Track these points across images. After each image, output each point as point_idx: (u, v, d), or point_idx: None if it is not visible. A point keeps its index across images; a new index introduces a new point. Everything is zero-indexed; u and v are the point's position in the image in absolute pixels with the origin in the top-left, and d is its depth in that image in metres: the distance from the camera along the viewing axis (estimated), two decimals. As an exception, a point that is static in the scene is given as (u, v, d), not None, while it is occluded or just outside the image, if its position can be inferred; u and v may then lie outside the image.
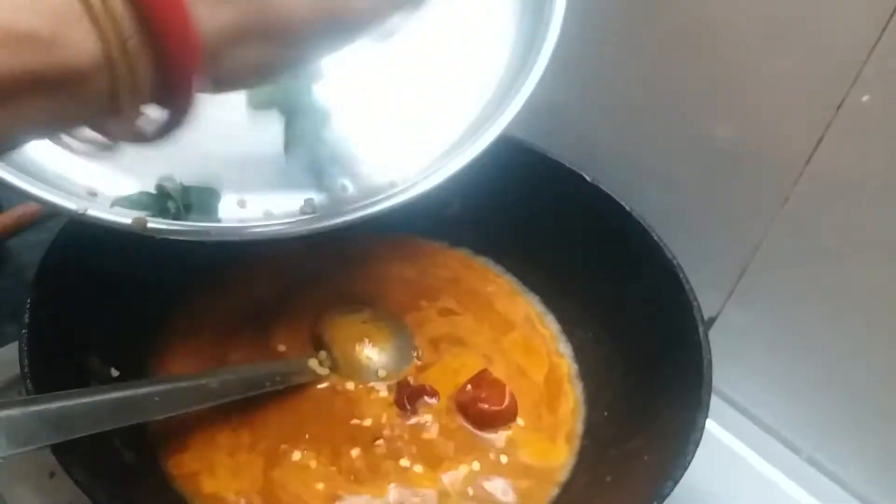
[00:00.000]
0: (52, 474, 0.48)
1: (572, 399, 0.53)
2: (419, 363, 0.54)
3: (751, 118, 0.51)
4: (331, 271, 0.60)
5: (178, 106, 0.27)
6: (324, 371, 0.52)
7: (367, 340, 0.53)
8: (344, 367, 0.52)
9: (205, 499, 0.45)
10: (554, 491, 0.48)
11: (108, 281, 0.48)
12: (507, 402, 0.51)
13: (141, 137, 0.28)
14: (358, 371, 0.52)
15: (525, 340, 0.57)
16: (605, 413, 0.52)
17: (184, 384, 0.44)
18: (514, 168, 0.57)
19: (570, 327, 0.57)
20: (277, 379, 0.49)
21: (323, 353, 0.52)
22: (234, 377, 0.47)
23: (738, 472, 0.55)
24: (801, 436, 0.57)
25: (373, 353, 0.53)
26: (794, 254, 0.52)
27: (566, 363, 0.56)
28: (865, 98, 0.45)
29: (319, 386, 0.51)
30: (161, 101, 0.27)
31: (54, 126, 0.27)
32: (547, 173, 0.56)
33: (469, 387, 0.51)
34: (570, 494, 0.48)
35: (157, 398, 0.41)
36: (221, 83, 0.28)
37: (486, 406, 0.50)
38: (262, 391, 0.48)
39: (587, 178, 0.55)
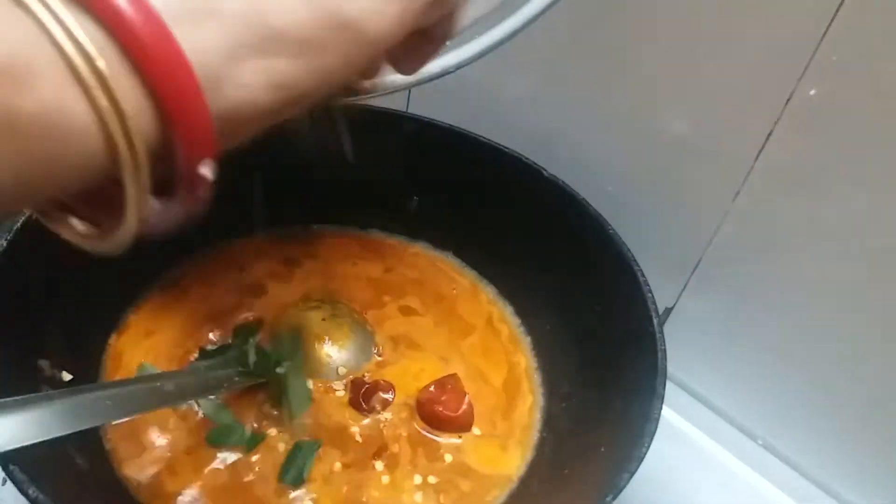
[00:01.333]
0: (3, 481, 0.48)
1: (530, 399, 0.54)
2: (380, 359, 0.54)
3: (702, 113, 0.52)
4: (289, 272, 0.60)
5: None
6: (282, 371, 0.51)
7: (326, 338, 0.53)
8: (304, 364, 0.52)
9: (166, 498, 0.45)
10: (497, 493, 0.48)
11: (58, 282, 0.47)
12: (462, 409, 0.50)
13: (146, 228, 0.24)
14: (318, 369, 0.52)
15: (485, 343, 0.57)
16: (563, 405, 0.52)
17: (137, 387, 0.43)
18: (473, 163, 0.58)
19: (528, 320, 0.58)
20: (235, 379, 0.48)
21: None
22: (191, 379, 0.46)
23: (694, 459, 0.56)
24: (756, 422, 0.58)
25: (332, 351, 0.53)
26: (745, 246, 0.53)
27: (525, 359, 0.56)
28: (813, 92, 0.46)
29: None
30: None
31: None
32: (505, 168, 0.57)
33: (432, 387, 0.51)
34: (528, 487, 0.48)
35: (108, 402, 0.39)
36: (237, 123, 0.24)
37: (441, 409, 0.50)
38: (219, 392, 0.48)
39: (545, 173, 0.55)
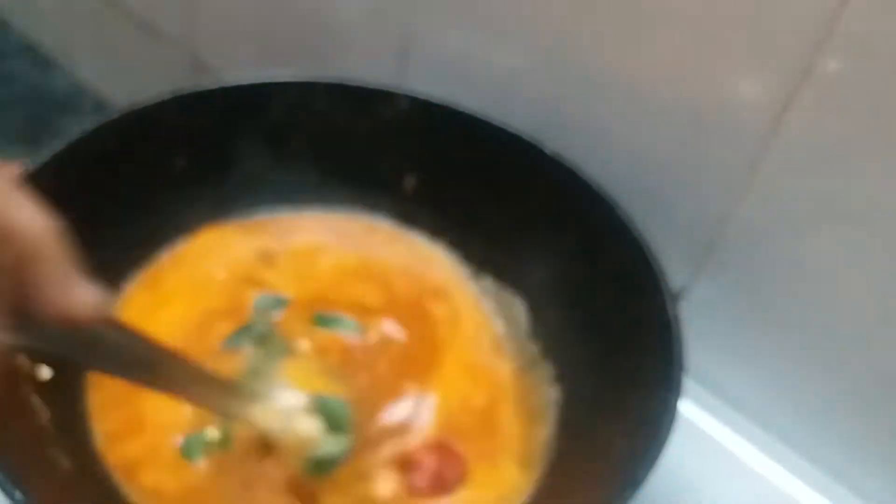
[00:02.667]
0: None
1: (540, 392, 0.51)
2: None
3: (717, 88, 0.50)
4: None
5: None
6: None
7: None
8: None
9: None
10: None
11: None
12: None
13: None
14: None
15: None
16: (575, 396, 0.50)
17: None
18: (471, 142, 0.55)
19: (535, 309, 0.55)
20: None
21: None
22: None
23: (707, 449, 0.54)
24: (770, 410, 0.56)
25: None
26: (761, 226, 0.51)
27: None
28: (834, 64, 0.44)
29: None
30: None
31: None
32: (505, 146, 0.54)
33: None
34: (544, 485, 0.46)
35: None
36: None
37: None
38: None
39: (546, 151, 0.53)
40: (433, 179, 0.58)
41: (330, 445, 0.41)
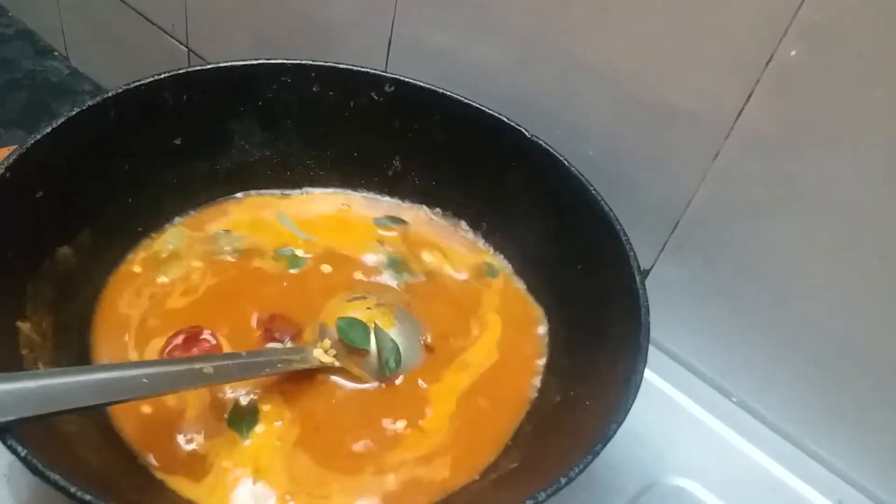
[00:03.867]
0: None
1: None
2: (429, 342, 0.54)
3: (682, 74, 0.52)
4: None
5: None
6: (329, 360, 0.50)
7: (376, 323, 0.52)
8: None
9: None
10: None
11: (41, 235, 0.47)
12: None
13: None
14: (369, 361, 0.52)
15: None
16: (550, 363, 0.53)
17: (175, 368, 0.42)
18: (454, 124, 0.58)
19: (510, 280, 0.58)
20: (278, 365, 0.48)
21: (327, 342, 0.51)
22: (231, 363, 0.45)
23: (671, 416, 0.57)
24: (730, 380, 0.59)
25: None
26: (724, 208, 0.54)
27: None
28: (793, 53, 0.47)
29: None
30: None
31: None
32: (489, 129, 0.57)
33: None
34: (518, 440, 0.49)
35: (145, 380, 0.40)
36: None
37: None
38: (260, 375, 0.48)
39: (527, 134, 0.56)
40: (418, 160, 0.61)
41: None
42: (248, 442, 0.46)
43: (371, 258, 0.59)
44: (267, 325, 0.52)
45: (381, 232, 0.61)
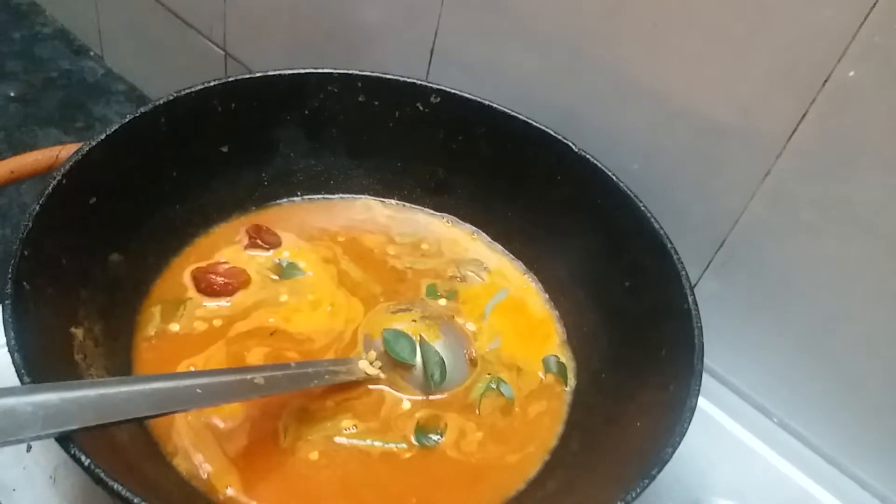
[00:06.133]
0: (28, 448, 0.47)
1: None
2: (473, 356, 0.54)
3: (735, 92, 0.52)
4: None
5: None
6: (374, 372, 0.50)
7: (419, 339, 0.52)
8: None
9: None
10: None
11: (91, 248, 0.47)
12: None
13: None
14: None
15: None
16: (594, 381, 0.52)
17: (228, 378, 0.43)
18: (499, 136, 0.58)
19: (556, 295, 0.58)
20: (325, 377, 0.48)
21: (373, 354, 0.51)
22: (281, 374, 0.46)
23: (712, 435, 0.57)
24: (772, 401, 0.59)
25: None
26: (771, 227, 0.54)
27: (555, 335, 0.56)
28: (851, 74, 0.46)
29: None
30: None
31: None
32: (534, 142, 0.56)
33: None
34: (561, 460, 0.48)
35: (199, 390, 0.40)
36: None
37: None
38: (309, 386, 0.48)
39: (574, 148, 0.55)
40: (462, 171, 0.61)
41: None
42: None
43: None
44: (252, 234, 0.57)
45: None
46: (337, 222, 0.61)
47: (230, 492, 0.44)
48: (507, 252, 0.61)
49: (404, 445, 0.48)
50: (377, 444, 0.48)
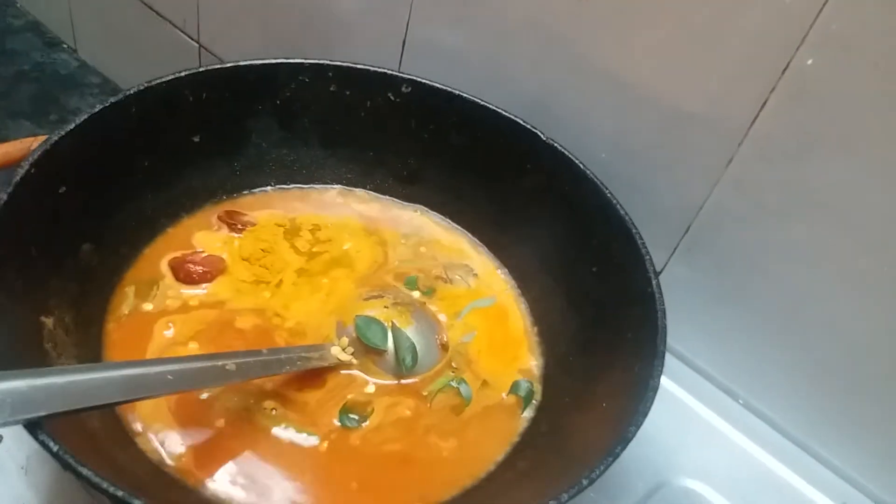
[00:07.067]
0: None
1: (528, 360, 0.55)
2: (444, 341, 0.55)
3: (700, 80, 0.53)
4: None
5: None
6: (346, 358, 0.51)
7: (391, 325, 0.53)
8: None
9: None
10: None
11: (59, 235, 0.47)
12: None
13: None
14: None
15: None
16: (562, 365, 0.53)
17: (199, 365, 0.43)
18: (470, 125, 0.59)
19: (524, 282, 0.59)
20: (297, 363, 0.49)
21: (345, 340, 0.52)
22: (252, 360, 0.46)
23: (679, 417, 0.58)
24: (738, 382, 0.60)
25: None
26: (736, 212, 0.55)
27: (522, 320, 0.57)
28: (810, 62, 0.47)
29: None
30: None
31: None
32: (504, 132, 0.57)
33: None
34: (530, 442, 0.49)
35: (169, 376, 0.40)
36: None
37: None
38: (281, 373, 0.49)
39: (543, 137, 0.56)
40: (434, 160, 0.61)
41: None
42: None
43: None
44: (224, 219, 0.58)
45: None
46: (309, 211, 0.62)
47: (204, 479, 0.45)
48: (475, 239, 0.62)
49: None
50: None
